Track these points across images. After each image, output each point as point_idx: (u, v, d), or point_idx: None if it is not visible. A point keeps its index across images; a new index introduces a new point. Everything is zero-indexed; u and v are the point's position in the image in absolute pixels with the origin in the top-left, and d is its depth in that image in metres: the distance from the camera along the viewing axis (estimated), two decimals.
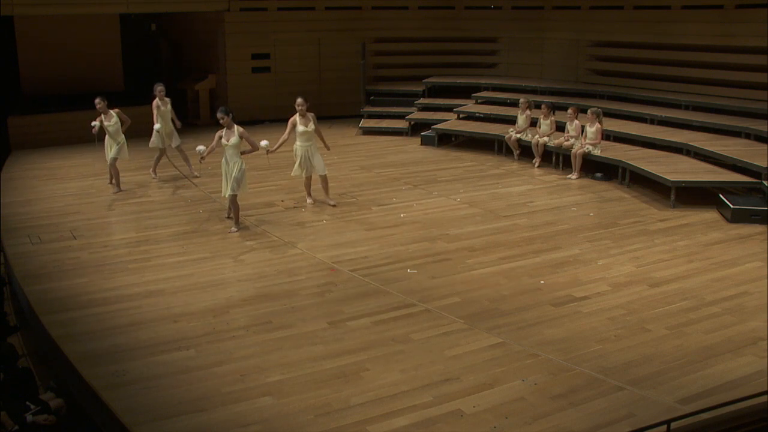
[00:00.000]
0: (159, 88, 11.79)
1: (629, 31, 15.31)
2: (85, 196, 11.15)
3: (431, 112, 16.08)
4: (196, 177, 11.96)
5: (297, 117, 10.17)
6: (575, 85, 15.81)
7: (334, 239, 9.10)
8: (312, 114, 10.24)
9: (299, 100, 10.13)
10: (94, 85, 14.58)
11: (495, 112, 14.93)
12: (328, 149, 10.73)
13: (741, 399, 5.01)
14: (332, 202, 10.46)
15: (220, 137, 9.27)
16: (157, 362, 5.98)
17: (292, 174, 10.49)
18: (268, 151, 9.93)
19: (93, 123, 11.13)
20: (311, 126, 10.19)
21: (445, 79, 17.25)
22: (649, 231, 9.33)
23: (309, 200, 10.62)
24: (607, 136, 12.45)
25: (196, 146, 10.14)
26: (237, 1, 16.67)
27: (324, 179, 10.46)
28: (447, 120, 15.33)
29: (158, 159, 12.21)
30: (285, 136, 10.16)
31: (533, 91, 15.50)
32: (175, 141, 12.16)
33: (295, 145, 10.30)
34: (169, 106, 11.94)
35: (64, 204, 10.74)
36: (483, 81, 16.80)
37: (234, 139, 9.13)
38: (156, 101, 11.78)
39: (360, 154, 14.09)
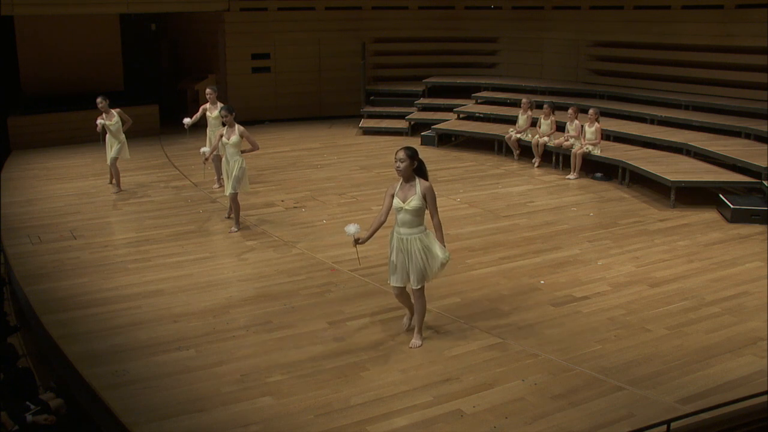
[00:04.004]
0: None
1: (629, 31, 15.31)
2: (85, 196, 11.16)
3: (431, 112, 16.09)
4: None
5: (396, 186, 6.03)
6: (575, 85, 15.82)
7: (334, 239, 9.08)
8: (425, 183, 5.94)
9: (400, 155, 5.90)
10: (94, 85, 14.60)
11: (495, 112, 14.93)
12: (443, 253, 6.03)
13: (741, 399, 5.01)
14: (418, 342, 6.24)
15: (221, 136, 9.27)
16: (157, 362, 5.98)
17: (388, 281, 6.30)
18: (355, 242, 5.99)
19: (98, 120, 11.12)
20: (414, 202, 5.89)
21: (445, 79, 17.26)
22: (649, 231, 9.33)
23: (405, 320, 6.57)
24: (607, 136, 12.46)
25: (200, 148, 10.16)
26: (237, 1, 16.68)
27: (419, 299, 6.16)
28: (447, 120, 15.34)
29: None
30: (381, 217, 6.07)
31: (533, 91, 15.50)
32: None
33: (392, 230, 6.18)
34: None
35: (64, 204, 10.74)
36: (483, 81, 16.81)
37: (234, 138, 9.13)
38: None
39: (360, 154, 14.09)
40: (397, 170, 5.93)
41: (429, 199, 5.92)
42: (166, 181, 12.06)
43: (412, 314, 6.40)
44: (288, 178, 12.21)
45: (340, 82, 17.48)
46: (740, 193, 10.53)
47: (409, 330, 6.42)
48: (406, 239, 5.97)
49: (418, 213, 5.93)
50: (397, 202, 5.94)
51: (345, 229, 5.93)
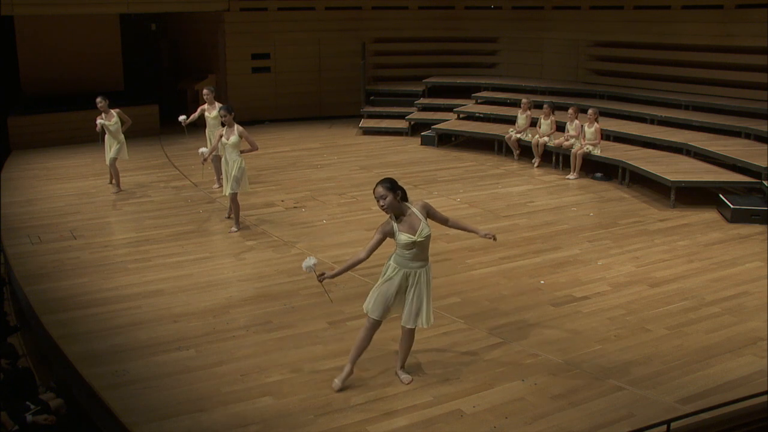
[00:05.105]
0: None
1: (629, 31, 15.31)
2: (85, 196, 11.15)
3: (431, 112, 16.08)
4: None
5: (391, 224, 5.32)
6: (575, 85, 15.81)
7: (334, 239, 9.09)
8: (419, 203, 5.42)
9: (379, 191, 5.22)
10: (94, 85, 14.60)
11: (495, 112, 14.93)
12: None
13: (741, 399, 5.02)
14: (405, 379, 5.64)
15: (221, 136, 9.27)
16: (157, 362, 5.98)
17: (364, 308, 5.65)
18: (319, 278, 5.55)
19: (98, 120, 11.11)
20: (425, 230, 5.30)
21: (445, 79, 17.25)
22: (649, 231, 9.33)
23: (403, 376, 5.69)
24: (607, 136, 12.46)
25: (199, 148, 10.16)
26: (237, 1, 16.68)
27: (407, 339, 5.62)
28: (447, 120, 15.33)
29: None
30: (362, 255, 5.38)
31: (533, 91, 15.50)
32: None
33: (387, 263, 5.51)
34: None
35: (64, 204, 10.74)
36: (483, 81, 16.81)
37: (234, 138, 9.13)
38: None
39: (360, 154, 14.09)
40: (383, 209, 5.23)
41: (432, 213, 5.42)
42: (166, 181, 12.06)
43: (351, 371, 5.55)
44: (288, 178, 12.21)
45: (340, 82, 17.47)
46: (740, 193, 10.53)
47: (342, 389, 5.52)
48: (416, 272, 5.36)
49: (429, 241, 5.36)
50: (406, 238, 5.23)
51: (302, 265, 5.40)
